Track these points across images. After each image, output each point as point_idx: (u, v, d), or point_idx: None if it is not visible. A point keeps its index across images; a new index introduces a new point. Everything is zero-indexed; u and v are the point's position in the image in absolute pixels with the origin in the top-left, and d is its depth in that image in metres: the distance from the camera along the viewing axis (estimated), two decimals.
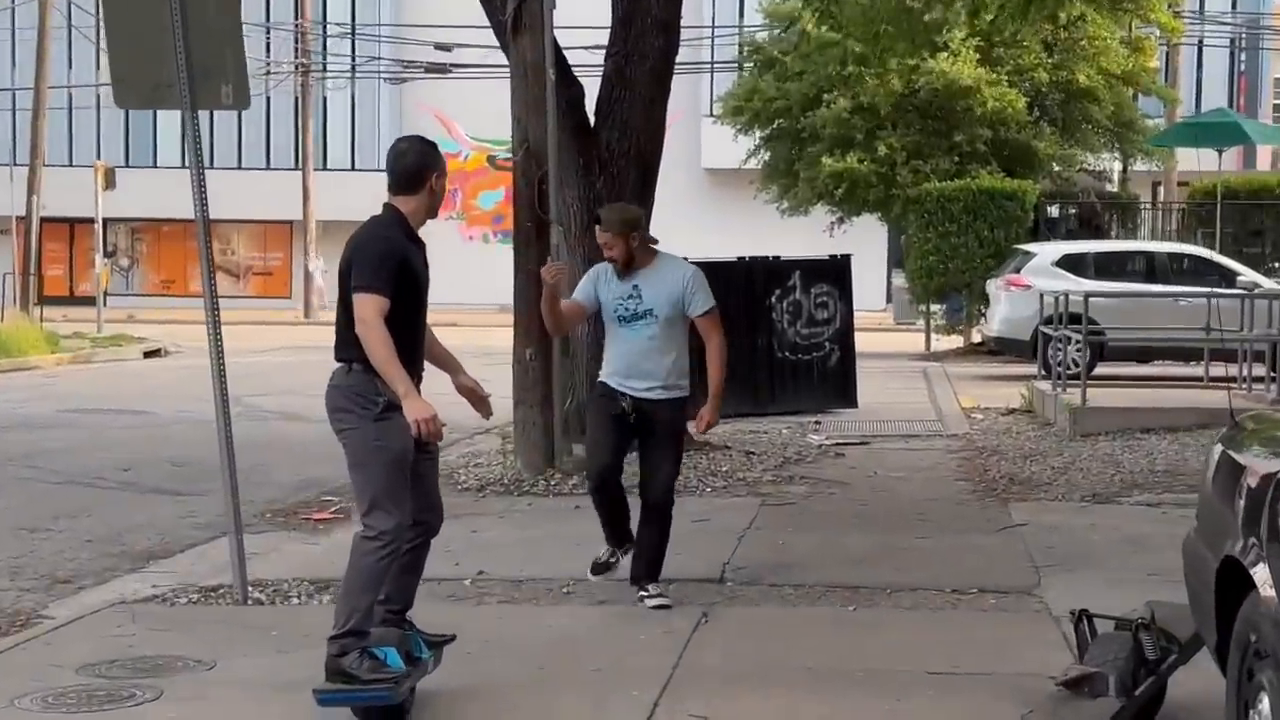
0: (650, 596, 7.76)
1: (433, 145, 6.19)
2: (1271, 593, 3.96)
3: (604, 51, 13.06)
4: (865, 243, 33.64)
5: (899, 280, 41.35)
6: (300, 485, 13.02)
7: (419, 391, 5.83)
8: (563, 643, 7.05)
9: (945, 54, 26.48)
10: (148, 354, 30.12)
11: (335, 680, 5.70)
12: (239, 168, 49.88)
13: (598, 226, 7.86)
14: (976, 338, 28.88)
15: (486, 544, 9.44)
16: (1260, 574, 4.04)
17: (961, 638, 7.06)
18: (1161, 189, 38.05)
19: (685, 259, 8.25)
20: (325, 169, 47.82)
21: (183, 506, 11.76)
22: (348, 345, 5.84)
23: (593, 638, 7.11)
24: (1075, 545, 9.20)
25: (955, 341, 29.21)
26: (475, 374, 6.42)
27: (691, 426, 8.34)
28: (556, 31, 11.96)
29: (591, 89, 12.99)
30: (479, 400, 6.40)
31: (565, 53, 12.61)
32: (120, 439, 15.84)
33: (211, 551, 9.85)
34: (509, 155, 52.10)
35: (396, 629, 5.96)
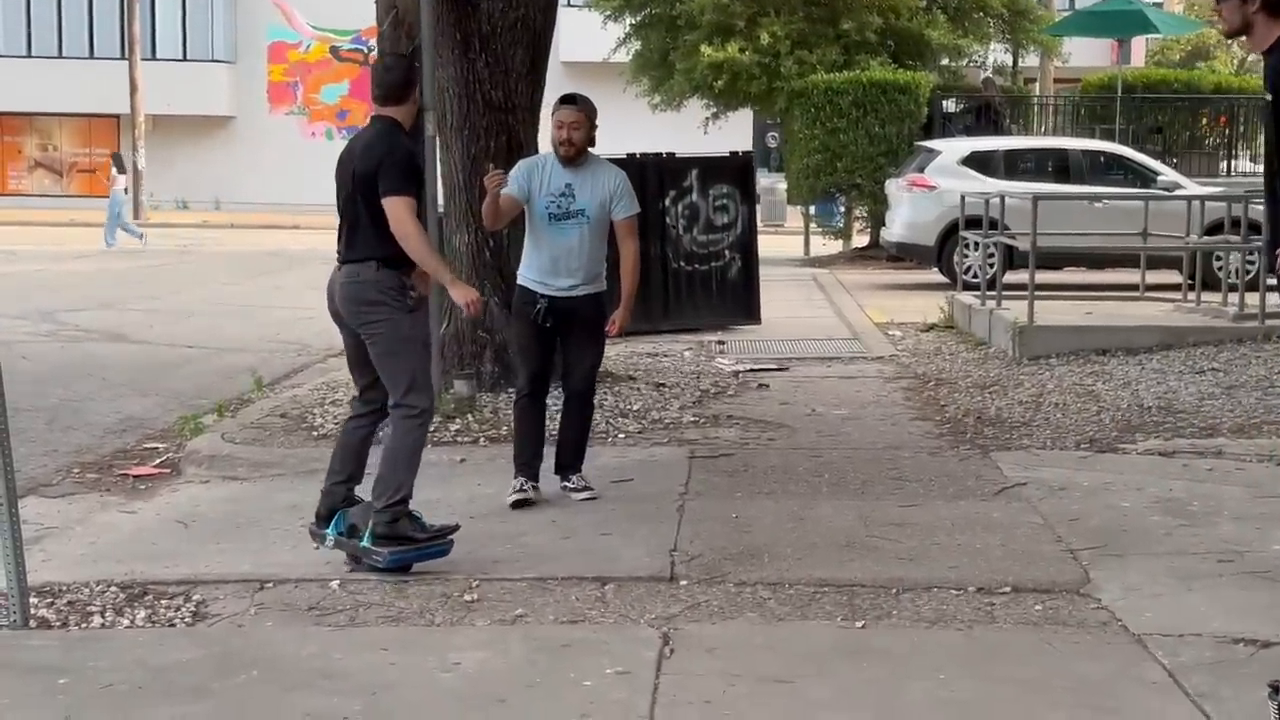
0: (576, 490, 7.85)
1: (411, 61, 7.09)
2: None
3: None
4: (736, 141, 31.62)
5: (765, 180, 39.55)
6: (118, 426, 10.78)
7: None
8: (480, 697, 4.96)
9: None
10: None
11: (392, 544, 6.33)
12: (59, 56, 46.28)
13: (566, 105, 7.68)
14: (861, 241, 27.16)
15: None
16: None
17: (1031, 676, 5.11)
18: (1037, 85, 36.51)
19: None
20: (154, 59, 44.45)
21: None
22: (368, 245, 6.38)
23: (520, 687, 5.03)
24: (1104, 515, 7.31)
25: (836, 246, 27.46)
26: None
27: None
28: None
29: None
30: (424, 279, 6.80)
31: None
32: None
33: None
34: (353, 46, 49.02)
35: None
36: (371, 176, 6.34)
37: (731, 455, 8.88)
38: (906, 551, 6.69)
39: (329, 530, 6.59)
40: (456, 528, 6.53)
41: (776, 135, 42.53)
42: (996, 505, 7.57)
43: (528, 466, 7.86)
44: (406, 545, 6.35)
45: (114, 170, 31.70)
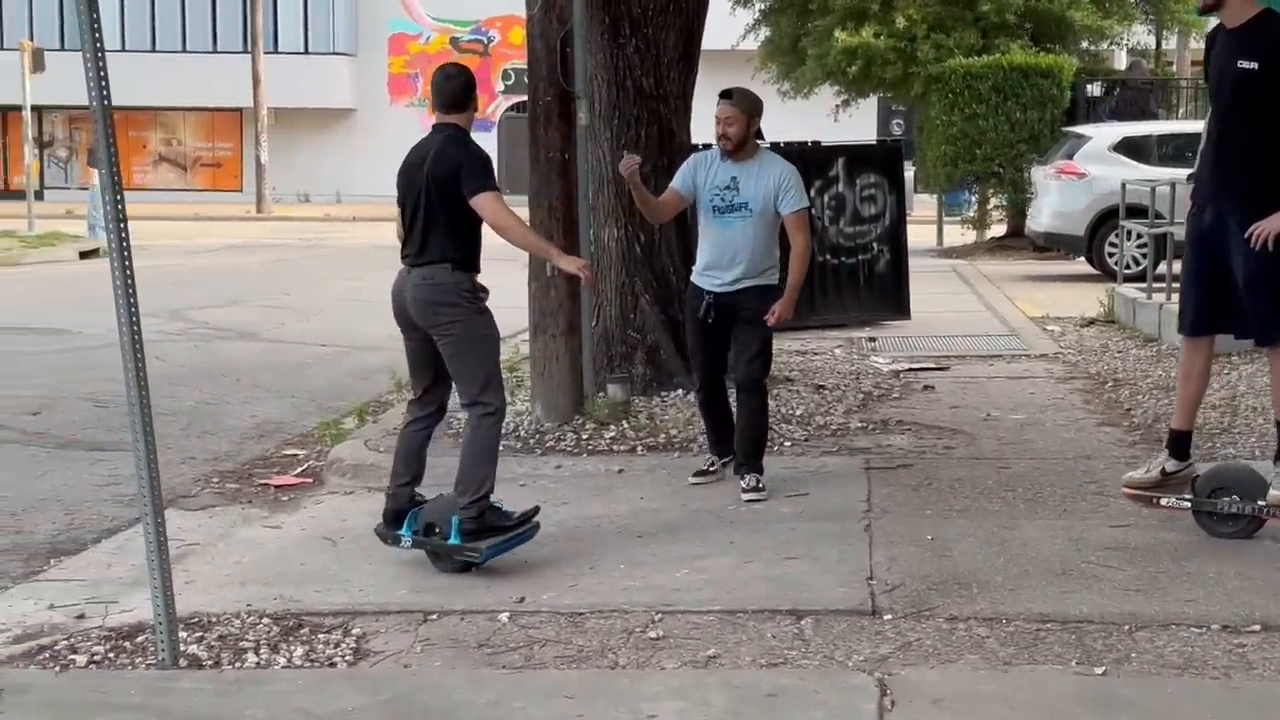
0: (745, 489, 7.65)
1: (470, 71, 6.87)
2: None
3: None
4: (861, 129, 30.86)
5: None
6: (255, 431, 10.38)
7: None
8: None
9: None
10: (84, 254, 27.21)
11: (484, 538, 6.39)
12: (184, 50, 46.51)
13: (722, 100, 7.67)
14: (999, 231, 26.30)
15: None
16: None
17: None
18: (1175, 68, 35.36)
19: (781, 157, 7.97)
20: (276, 52, 44.51)
21: (103, 468, 9.10)
22: (443, 247, 6.45)
23: None
24: None
25: (971, 236, 26.60)
26: None
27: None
28: None
29: None
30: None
31: None
32: (34, 368, 13.06)
33: (136, 543, 7.13)
34: (473, 37, 48.96)
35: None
36: (450, 179, 6.41)
37: (910, 466, 8.25)
38: (1131, 581, 6.02)
39: (403, 531, 6.61)
40: (537, 510, 6.67)
41: (901, 123, 41.70)
42: None
43: (715, 445, 8.09)
44: (498, 536, 6.43)
45: (91, 165, 31.83)
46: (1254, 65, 6.31)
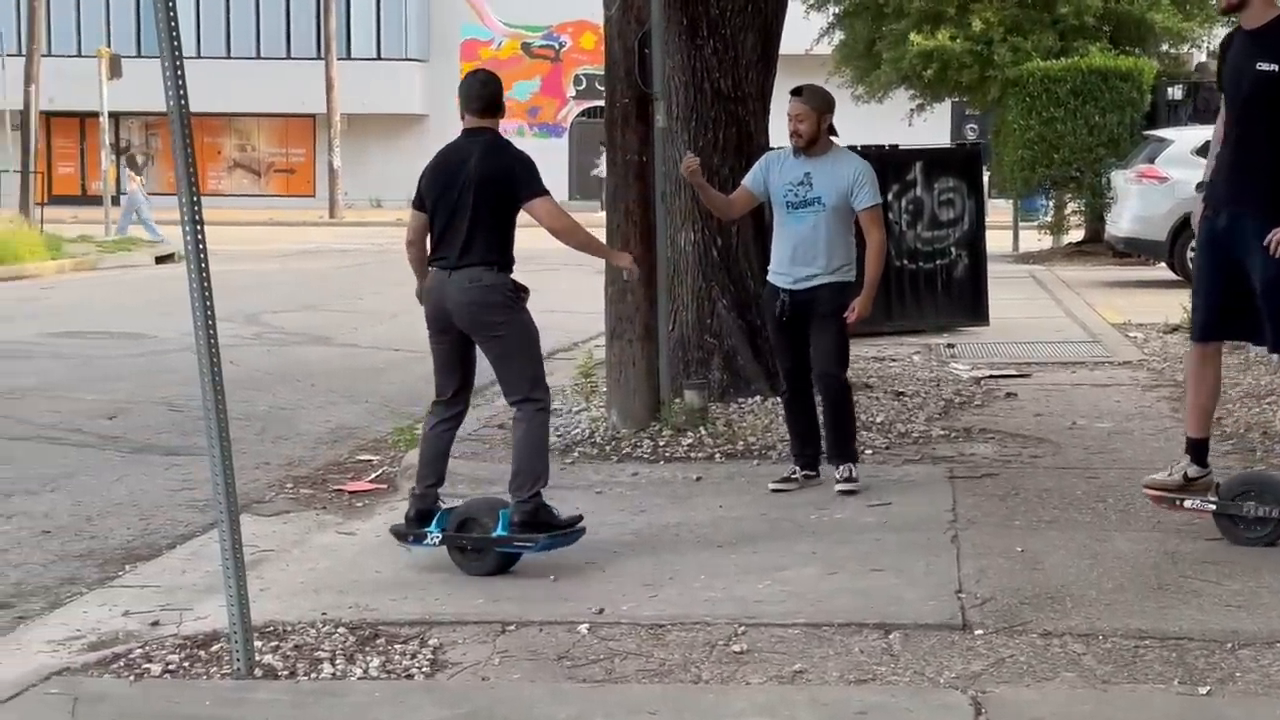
0: (838, 480, 7.69)
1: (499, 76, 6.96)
2: None
3: None
4: (934, 133, 30.52)
5: None
6: (329, 436, 10.32)
7: None
8: None
9: None
10: (159, 259, 27.41)
11: (539, 531, 6.43)
12: (257, 57, 46.79)
13: (793, 98, 7.69)
14: (1076, 236, 25.97)
15: (592, 545, 6.67)
16: None
17: None
18: None
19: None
20: (349, 58, 44.72)
21: (178, 472, 9.06)
22: (488, 249, 6.47)
23: None
24: None
25: (1047, 241, 26.27)
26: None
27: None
28: None
29: None
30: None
31: None
32: (110, 372, 13.08)
33: (210, 549, 7.08)
34: (545, 43, 49.02)
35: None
36: (499, 182, 6.47)
37: (996, 475, 8.05)
38: (1231, 596, 5.81)
39: (432, 529, 6.60)
40: (581, 517, 6.67)
41: (975, 127, 41.26)
42: None
43: (798, 456, 7.97)
44: (553, 531, 6.48)
45: (130, 171, 32.36)
46: (1274, 68, 6.25)
